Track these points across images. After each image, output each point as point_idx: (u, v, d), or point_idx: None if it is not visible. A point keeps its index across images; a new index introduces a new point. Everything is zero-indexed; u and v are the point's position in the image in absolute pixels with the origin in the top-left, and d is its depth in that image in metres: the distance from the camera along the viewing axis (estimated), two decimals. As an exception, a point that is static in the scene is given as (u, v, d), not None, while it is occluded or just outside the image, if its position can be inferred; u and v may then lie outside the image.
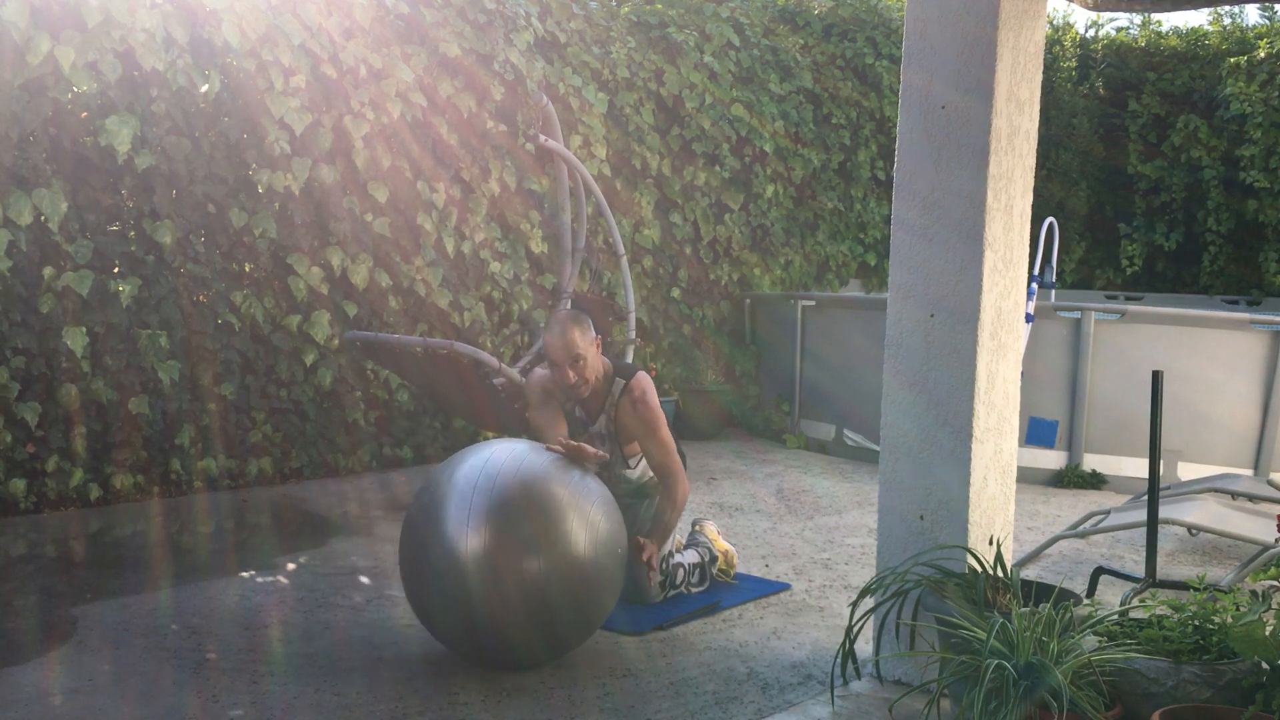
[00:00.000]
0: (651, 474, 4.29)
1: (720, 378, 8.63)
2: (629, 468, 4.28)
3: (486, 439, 4.41)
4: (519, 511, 3.36)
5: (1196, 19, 19.74)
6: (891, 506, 3.49)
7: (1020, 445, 6.69)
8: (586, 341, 4.05)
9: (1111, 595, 4.45)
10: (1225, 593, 3.19)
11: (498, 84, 6.84)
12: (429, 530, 3.39)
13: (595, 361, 4.10)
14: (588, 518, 3.43)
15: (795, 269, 9.19)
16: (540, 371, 4.27)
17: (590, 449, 3.67)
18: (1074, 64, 11.38)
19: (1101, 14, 11.13)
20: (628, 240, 7.89)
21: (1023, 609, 2.95)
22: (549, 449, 3.61)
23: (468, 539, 3.29)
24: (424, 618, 3.54)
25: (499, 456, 3.49)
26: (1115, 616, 3.18)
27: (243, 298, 5.89)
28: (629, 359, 6.62)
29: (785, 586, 4.53)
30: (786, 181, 9.03)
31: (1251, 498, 5.20)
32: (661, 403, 7.80)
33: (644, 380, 4.20)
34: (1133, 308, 6.92)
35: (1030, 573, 4.77)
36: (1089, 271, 11.44)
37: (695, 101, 8.23)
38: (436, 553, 3.35)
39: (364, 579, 4.50)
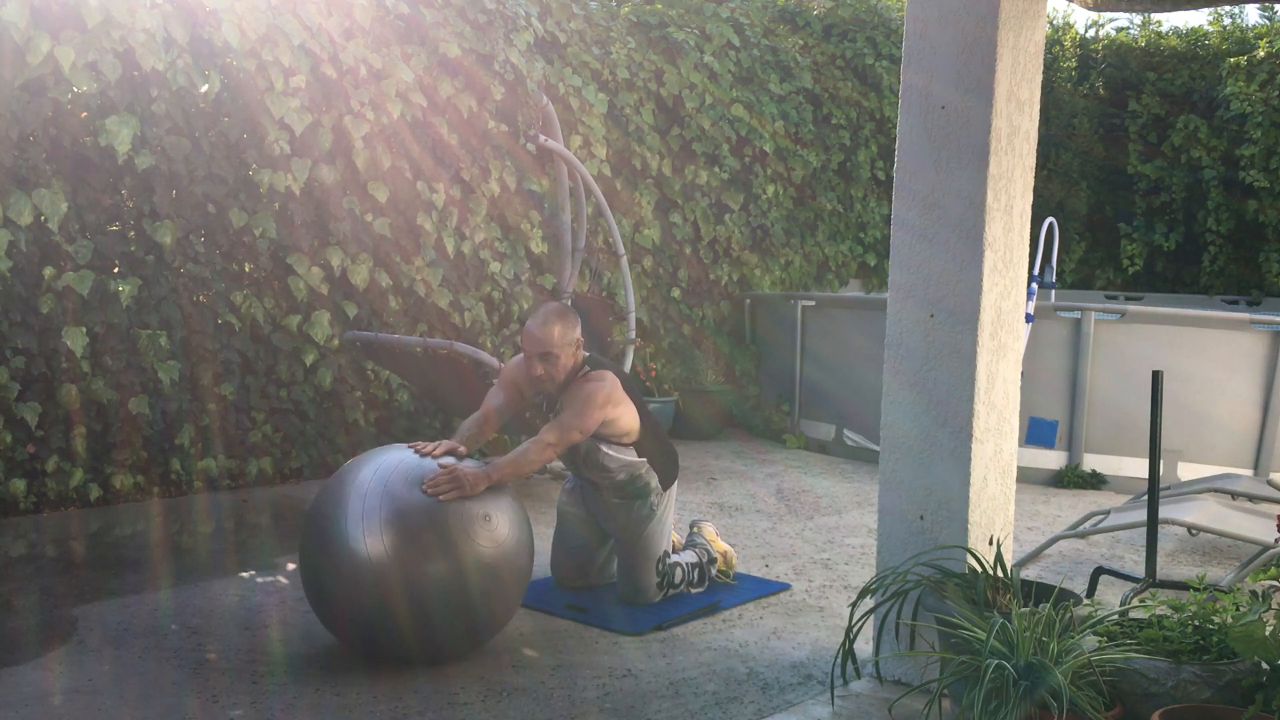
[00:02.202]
0: (640, 468, 4.10)
1: (720, 378, 8.63)
2: (606, 454, 4.02)
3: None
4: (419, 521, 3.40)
5: (1196, 19, 19.75)
6: (891, 506, 3.49)
7: (1020, 445, 6.69)
8: (565, 341, 3.87)
9: (1111, 595, 4.45)
10: (1225, 593, 3.19)
11: (498, 84, 6.83)
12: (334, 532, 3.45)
13: (568, 362, 3.91)
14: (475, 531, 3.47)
15: (795, 269, 9.19)
16: (519, 358, 4.08)
17: (458, 468, 3.51)
18: (1074, 64, 11.38)
19: (1101, 14, 11.14)
20: (628, 240, 7.89)
21: (1023, 609, 2.94)
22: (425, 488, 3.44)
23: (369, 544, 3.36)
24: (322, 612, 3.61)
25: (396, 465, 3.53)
26: (1115, 616, 3.18)
27: (243, 298, 5.89)
28: (629, 359, 6.62)
29: (785, 586, 4.53)
30: (786, 182, 9.03)
31: (1251, 498, 5.20)
32: (661, 403, 7.83)
33: (608, 376, 3.96)
34: (1133, 308, 6.92)
35: (1030, 573, 4.77)
36: (1089, 271, 11.43)
37: (695, 101, 8.23)
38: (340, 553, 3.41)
39: (364, 579, 4.50)
